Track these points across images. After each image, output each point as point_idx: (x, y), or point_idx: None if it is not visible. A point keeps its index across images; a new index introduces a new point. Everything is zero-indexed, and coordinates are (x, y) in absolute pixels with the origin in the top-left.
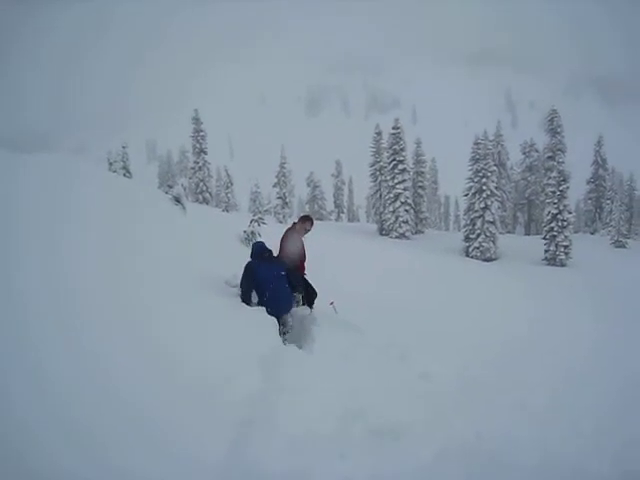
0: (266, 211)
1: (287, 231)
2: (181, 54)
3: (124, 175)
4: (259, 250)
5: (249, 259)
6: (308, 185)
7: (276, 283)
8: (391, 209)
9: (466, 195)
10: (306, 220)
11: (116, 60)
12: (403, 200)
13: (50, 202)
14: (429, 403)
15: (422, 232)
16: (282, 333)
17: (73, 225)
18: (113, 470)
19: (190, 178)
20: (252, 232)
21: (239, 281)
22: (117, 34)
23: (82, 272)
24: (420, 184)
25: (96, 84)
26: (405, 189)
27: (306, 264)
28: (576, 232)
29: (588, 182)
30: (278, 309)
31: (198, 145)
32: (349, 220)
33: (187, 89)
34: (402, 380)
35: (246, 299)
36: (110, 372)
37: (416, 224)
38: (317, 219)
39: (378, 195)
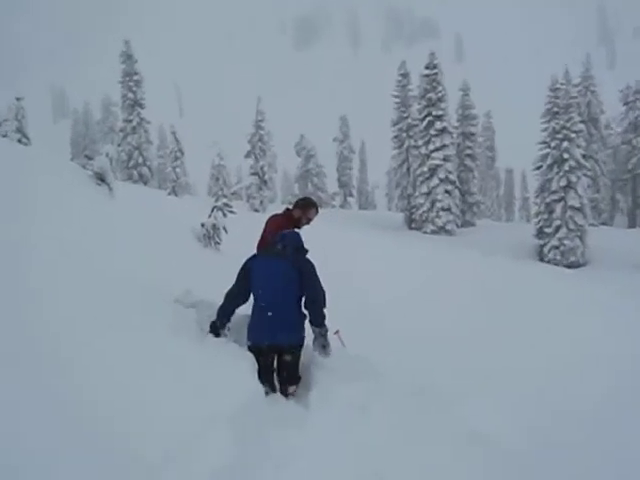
0: (234, 194)
1: (274, 220)
2: None
3: (18, 141)
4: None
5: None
6: (298, 154)
7: (271, 290)
8: (425, 189)
9: (538, 168)
10: (308, 207)
11: None
12: (443, 176)
13: None
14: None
15: (472, 224)
16: (268, 384)
17: None
18: None
19: (119, 145)
20: (214, 226)
21: (196, 299)
22: None
23: None
24: (468, 152)
25: None
26: (446, 159)
27: None
28: None
29: None
30: (260, 338)
31: (131, 95)
32: (361, 207)
33: (114, 15)
34: (443, 443)
35: (219, 319)
36: (10, 448)
37: (463, 212)
38: None
39: (405, 169)
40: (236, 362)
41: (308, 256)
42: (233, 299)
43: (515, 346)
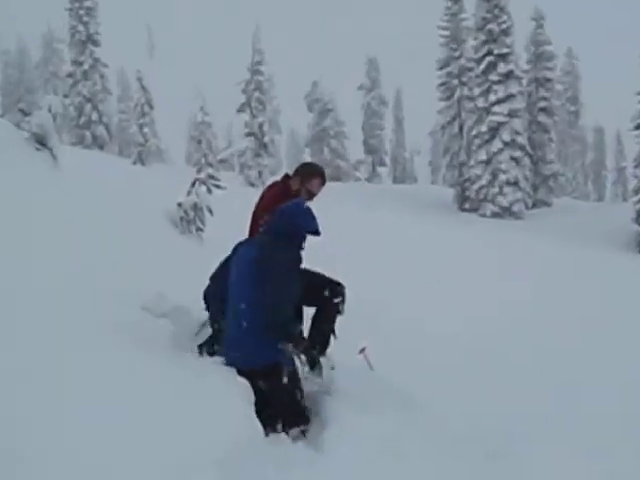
0: (223, 163)
1: (270, 190)
2: None
3: None
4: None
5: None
6: (310, 109)
7: (234, 290)
8: (483, 157)
9: (639, 126)
10: (311, 175)
11: None
12: (508, 138)
13: None
14: None
15: (547, 204)
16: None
17: None
18: None
19: (66, 96)
20: (195, 206)
21: (170, 306)
22: None
23: None
24: (543, 105)
25: None
26: (512, 115)
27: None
28: None
29: None
30: (230, 358)
31: (82, 28)
32: (396, 179)
33: None
34: None
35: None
36: None
37: (535, 188)
38: (334, 179)
39: (456, 128)
40: (226, 389)
41: (301, 247)
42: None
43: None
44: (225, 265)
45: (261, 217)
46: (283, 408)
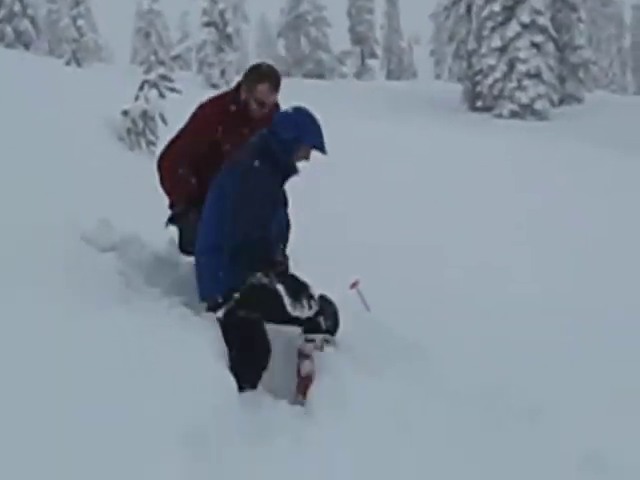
0: (177, 59)
1: (210, 102)
2: None
3: None
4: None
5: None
6: None
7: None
8: (497, 43)
9: None
10: (257, 80)
11: None
12: (527, 19)
13: None
14: None
15: (578, 99)
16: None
17: None
18: None
19: None
20: (145, 114)
21: (118, 236)
22: None
23: None
24: None
25: None
26: None
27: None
28: None
29: None
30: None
31: None
32: (391, 75)
33: None
34: (542, 475)
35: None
36: None
37: (562, 80)
38: (315, 75)
39: (462, 9)
40: (189, 341)
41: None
42: None
43: None
44: None
45: (184, 152)
46: (234, 347)
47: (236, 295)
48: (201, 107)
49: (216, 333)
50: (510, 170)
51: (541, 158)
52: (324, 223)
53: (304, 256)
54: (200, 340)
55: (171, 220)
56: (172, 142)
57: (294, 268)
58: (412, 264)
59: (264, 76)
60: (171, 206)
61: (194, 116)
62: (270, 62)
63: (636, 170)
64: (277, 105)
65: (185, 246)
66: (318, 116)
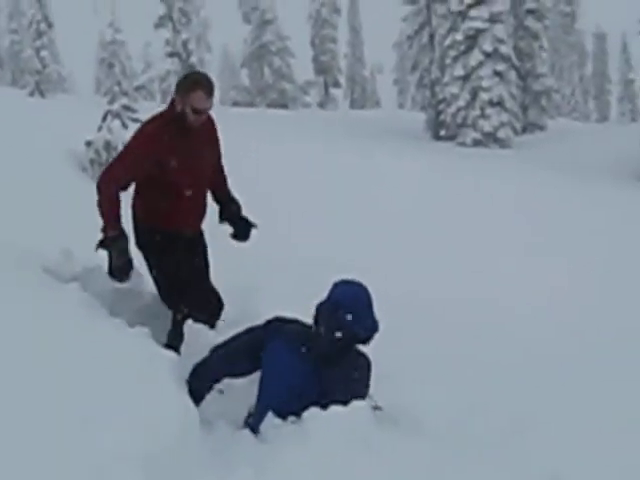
0: (141, 89)
1: (148, 122)
2: None
3: None
4: None
5: None
6: (246, 20)
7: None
8: (460, 72)
9: None
10: (189, 89)
11: None
12: (490, 48)
13: None
14: None
15: (540, 127)
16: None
17: None
18: None
19: None
20: (108, 145)
21: (80, 266)
22: None
23: None
24: (531, 6)
25: None
26: (494, 20)
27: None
28: None
29: None
30: None
31: None
32: (355, 104)
33: None
34: None
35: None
36: None
37: (524, 108)
38: (279, 105)
39: (425, 37)
40: (152, 365)
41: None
42: None
43: None
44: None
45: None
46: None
47: None
48: (140, 128)
49: (180, 363)
50: (474, 204)
51: (503, 187)
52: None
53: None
54: (163, 370)
55: (101, 243)
56: (112, 164)
57: None
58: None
59: (196, 83)
60: (104, 229)
61: (134, 137)
62: (199, 70)
63: (592, 196)
64: (211, 119)
65: (113, 271)
66: None
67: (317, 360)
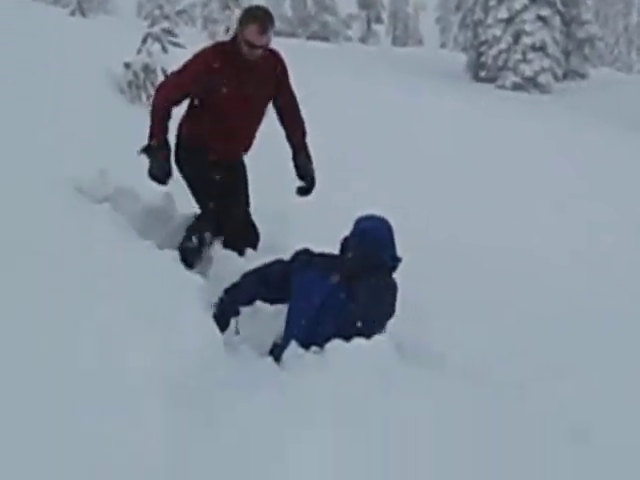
0: (182, 13)
1: (210, 47)
2: None
3: None
4: None
5: None
6: None
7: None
8: (504, 14)
9: None
10: (246, 21)
11: None
12: None
13: None
14: None
15: (582, 75)
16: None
17: None
18: None
19: None
20: (147, 67)
21: (113, 187)
22: None
23: None
24: None
25: None
26: None
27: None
28: None
29: None
30: None
31: None
32: (397, 41)
33: None
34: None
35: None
36: None
37: (567, 55)
38: (320, 37)
39: None
40: (179, 287)
41: None
42: None
43: None
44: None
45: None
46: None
47: None
48: (202, 50)
49: (207, 285)
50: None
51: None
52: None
53: None
54: (190, 295)
55: (145, 150)
56: (167, 79)
57: None
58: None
59: (253, 17)
60: (151, 137)
61: (195, 56)
62: (264, 6)
63: (637, 144)
64: (276, 56)
65: (152, 174)
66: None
67: (345, 281)
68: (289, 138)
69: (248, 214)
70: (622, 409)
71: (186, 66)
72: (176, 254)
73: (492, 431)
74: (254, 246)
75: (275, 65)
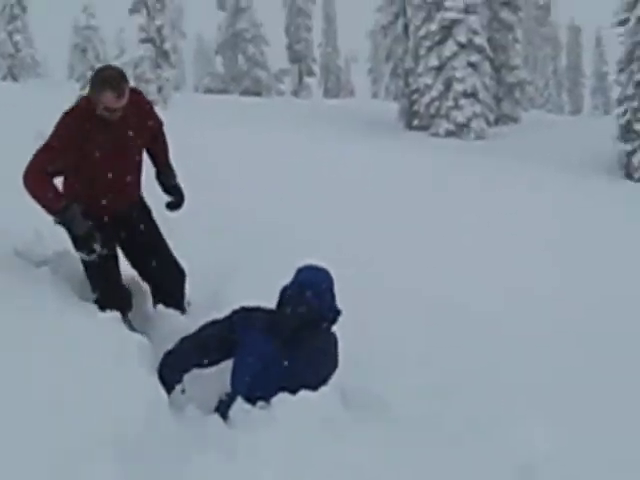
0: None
1: (68, 113)
2: None
3: None
4: None
5: None
6: (220, 7)
7: None
8: (434, 62)
9: (623, 23)
10: (99, 89)
11: None
12: (464, 39)
13: None
14: None
15: (513, 119)
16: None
17: None
18: None
19: None
20: None
21: (51, 251)
22: None
23: None
24: None
25: None
26: (469, 11)
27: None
28: None
29: None
30: None
31: None
32: (329, 93)
33: None
34: None
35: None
36: None
37: (498, 100)
38: (252, 92)
39: (400, 27)
40: (123, 350)
41: None
42: None
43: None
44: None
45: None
46: None
47: None
48: (60, 118)
49: (152, 347)
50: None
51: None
52: None
53: None
54: (133, 355)
55: (58, 220)
56: (35, 157)
57: None
58: None
59: (108, 84)
60: (51, 212)
61: (55, 129)
62: (115, 65)
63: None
64: (137, 100)
65: (78, 244)
66: None
67: (285, 340)
68: (157, 163)
69: (167, 254)
70: (567, 445)
71: (50, 142)
72: (117, 314)
73: (439, 475)
74: (182, 282)
75: (140, 108)
